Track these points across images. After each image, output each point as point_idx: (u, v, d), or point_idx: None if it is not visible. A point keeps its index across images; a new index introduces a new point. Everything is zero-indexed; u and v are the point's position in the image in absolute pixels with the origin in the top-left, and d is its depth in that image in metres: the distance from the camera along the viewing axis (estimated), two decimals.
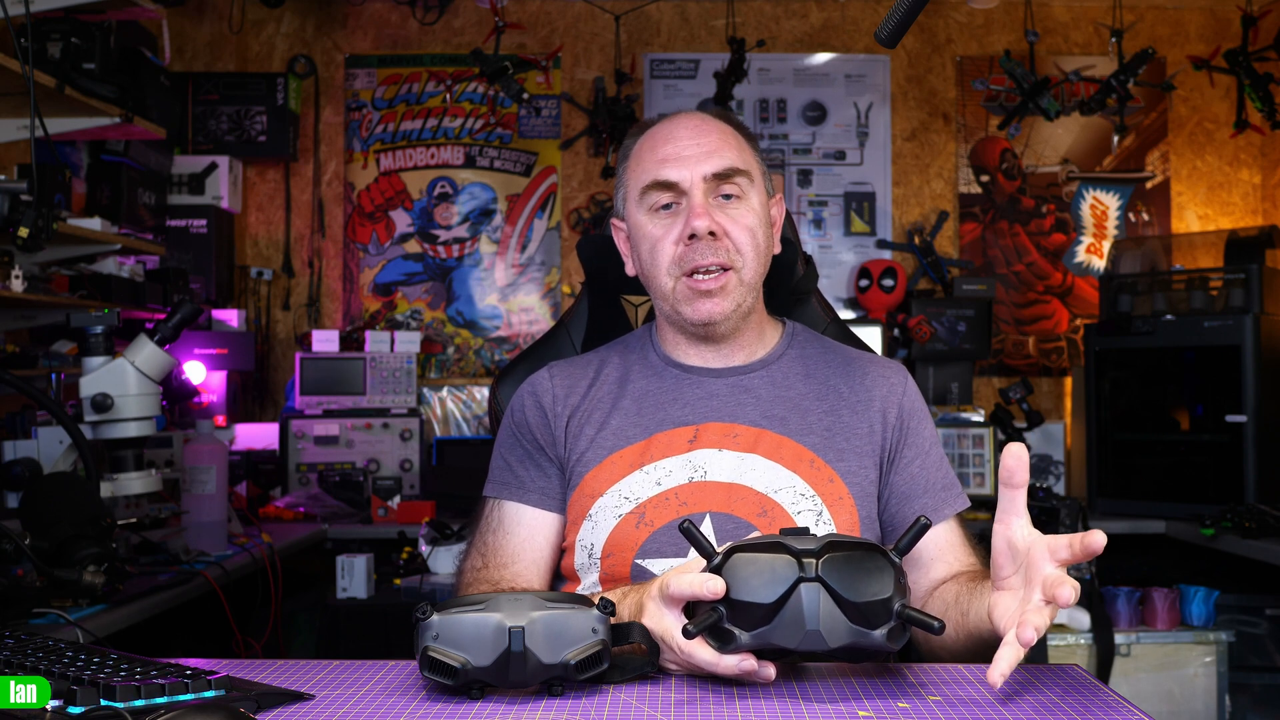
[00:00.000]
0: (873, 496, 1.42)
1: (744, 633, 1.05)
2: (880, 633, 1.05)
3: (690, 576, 1.08)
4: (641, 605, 1.16)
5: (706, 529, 1.36)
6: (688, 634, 1.05)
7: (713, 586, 1.05)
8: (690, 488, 1.38)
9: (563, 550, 1.46)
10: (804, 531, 1.10)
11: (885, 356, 1.57)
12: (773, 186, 1.51)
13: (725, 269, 1.40)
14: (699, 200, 1.39)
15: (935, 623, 1.04)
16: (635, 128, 1.53)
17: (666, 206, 1.42)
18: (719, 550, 1.09)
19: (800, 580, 1.04)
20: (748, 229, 1.41)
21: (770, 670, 1.08)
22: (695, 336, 1.46)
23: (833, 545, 1.06)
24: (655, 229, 1.43)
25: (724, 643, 1.06)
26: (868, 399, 1.46)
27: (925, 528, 1.09)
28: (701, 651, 1.08)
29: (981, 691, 1.09)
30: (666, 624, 1.12)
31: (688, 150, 1.41)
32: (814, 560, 1.05)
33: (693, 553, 1.33)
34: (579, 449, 1.44)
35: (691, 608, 1.11)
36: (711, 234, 1.38)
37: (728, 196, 1.42)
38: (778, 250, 1.51)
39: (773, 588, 1.04)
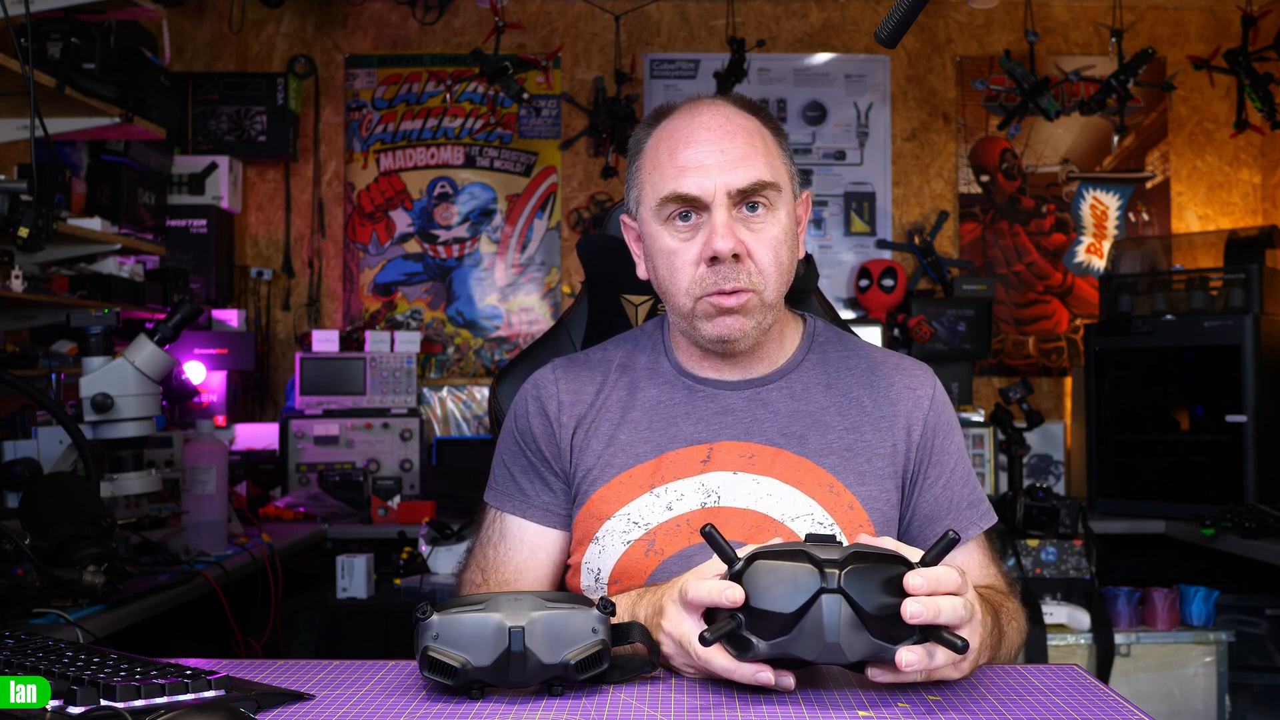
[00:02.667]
0: (893, 520, 1.36)
1: (762, 642, 1.03)
2: (901, 647, 1.02)
3: (710, 584, 1.06)
4: (661, 607, 1.14)
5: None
6: (704, 641, 1.02)
7: (731, 595, 1.02)
8: (703, 514, 1.32)
9: (566, 566, 1.42)
10: (830, 538, 1.08)
11: (911, 358, 1.48)
12: (799, 185, 1.40)
13: (745, 290, 1.30)
14: (722, 219, 1.28)
15: (959, 641, 1.01)
16: (650, 116, 1.40)
17: (684, 217, 1.32)
18: (740, 556, 1.06)
19: (822, 591, 1.01)
20: (771, 248, 1.31)
21: (789, 679, 1.06)
22: (712, 352, 1.39)
23: (857, 556, 1.03)
24: (672, 242, 1.32)
25: (742, 651, 1.04)
26: (891, 414, 1.38)
27: (953, 542, 1.04)
28: (719, 658, 1.05)
29: (981, 692, 1.09)
30: (685, 629, 1.09)
31: (711, 158, 1.29)
32: (837, 571, 1.01)
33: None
34: (585, 464, 1.38)
35: (711, 613, 1.09)
36: (735, 255, 1.28)
37: (753, 207, 1.31)
38: (801, 255, 1.41)
39: (793, 598, 1.01)
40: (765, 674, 1.04)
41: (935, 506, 1.37)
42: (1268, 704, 3.24)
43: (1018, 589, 1.37)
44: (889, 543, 1.08)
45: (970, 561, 1.36)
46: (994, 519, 1.41)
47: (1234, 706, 3.23)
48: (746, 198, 1.30)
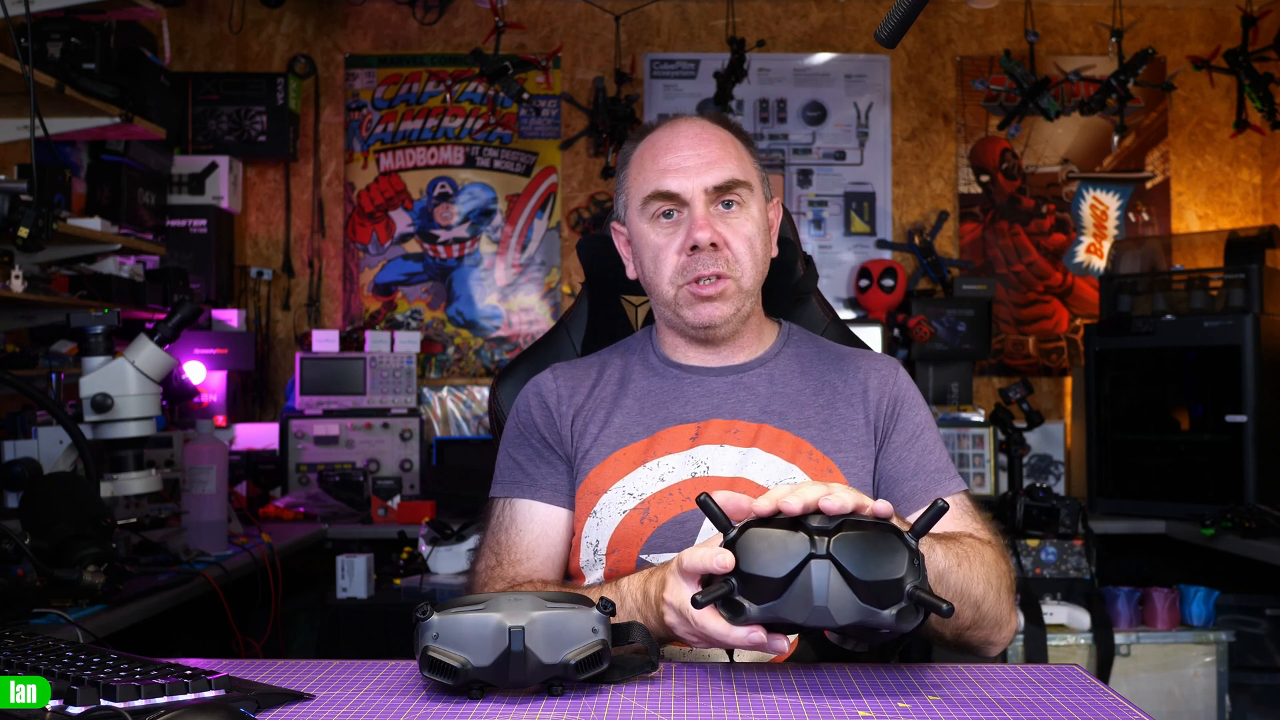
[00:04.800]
0: (868, 486, 1.44)
1: (754, 606, 1.06)
2: (890, 612, 1.04)
3: (702, 550, 1.11)
4: (664, 579, 1.19)
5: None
6: (695, 604, 1.07)
7: (722, 560, 1.07)
8: (693, 483, 1.41)
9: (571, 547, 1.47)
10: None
11: (877, 352, 1.59)
12: (771, 190, 1.54)
13: (724, 277, 1.43)
14: (700, 212, 1.42)
15: (944, 605, 1.04)
16: (634, 132, 1.55)
17: (668, 215, 1.45)
18: (735, 524, 1.10)
19: (811, 556, 1.05)
20: (746, 238, 1.44)
21: (782, 643, 1.09)
22: (695, 339, 1.50)
23: (847, 524, 1.07)
24: (657, 238, 1.46)
25: (735, 614, 1.08)
26: (862, 391, 1.48)
27: (942, 510, 1.08)
28: (712, 622, 1.09)
29: (981, 691, 1.09)
30: (683, 596, 1.13)
31: (689, 161, 1.44)
32: (826, 538, 1.06)
33: (704, 532, 1.36)
34: (583, 447, 1.47)
35: (710, 580, 1.12)
36: (713, 245, 1.42)
37: (728, 205, 1.45)
38: (775, 254, 1.53)
39: (783, 563, 1.05)
40: (758, 634, 1.08)
41: (900, 469, 1.44)
42: (1268, 704, 3.24)
43: (1000, 540, 1.40)
44: (883, 505, 1.11)
45: (953, 515, 1.40)
46: (963, 486, 1.46)
47: (1234, 706, 3.23)
48: (721, 194, 1.45)
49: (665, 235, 1.45)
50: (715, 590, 1.07)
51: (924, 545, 1.20)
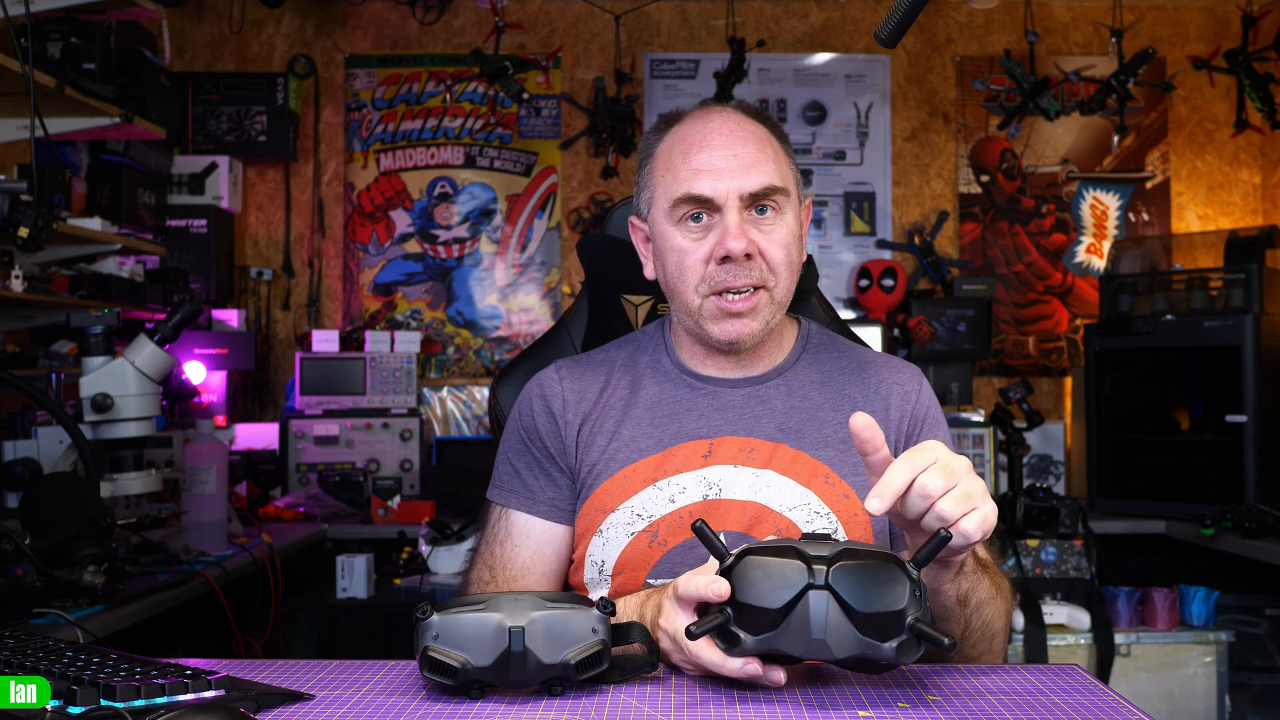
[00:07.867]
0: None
1: (749, 637, 1.04)
2: (890, 646, 1.02)
3: (698, 579, 1.08)
4: (660, 604, 1.16)
5: None
6: (689, 635, 1.04)
7: (717, 589, 1.04)
8: (704, 506, 1.35)
9: (569, 561, 1.43)
10: (826, 537, 1.08)
11: (900, 359, 1.51)
12: (802, 190, 1.44)
13: (757, 288, 1.34)
14: (734, 220, 1.32)
15: (945, 640, 1.01)
16: (660, 121, 1.44)
17: (696, 218, 1.35)
18: (732, 552, 1.07)
19: (809, 587, 1.02)
20: (782, 247, 1.35)
21: (779, 674, 1.06)
22: (715, 350, 1.42)
23: (847, 553, 1.04)
24: (683, 242, 1.35)
25: (730, 645, 1.05)
26: (884, 408, 1.42)
27: (945, 540, 1.04)
28: (707, 653, 1.07)
29: (981, 691, 1.09)
30: (678, 624, 1.11)
31: (723, 162, 1.33)
32: (825, 567, 1.02)
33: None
34: (590, 459, 1.40)
35: (706, 608, 1.10)
36: (746, 255, 1.32)
37: (762, 210, 1.35)
38: (803, 258, 1.44)
39: (780, 593, 1.02)
40: (753, 666, 1.05)
41: None
42: (1268, 704, 3.24)
43: (1005, 575, 1.37)
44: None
45: None
46: None
47: (1234, 706, 3.23)
48: (757, 201, 1.34)
49: (692, 240, 1.34)
50: (709, 621, 1.04)
51: (972, 571, 1.19)
